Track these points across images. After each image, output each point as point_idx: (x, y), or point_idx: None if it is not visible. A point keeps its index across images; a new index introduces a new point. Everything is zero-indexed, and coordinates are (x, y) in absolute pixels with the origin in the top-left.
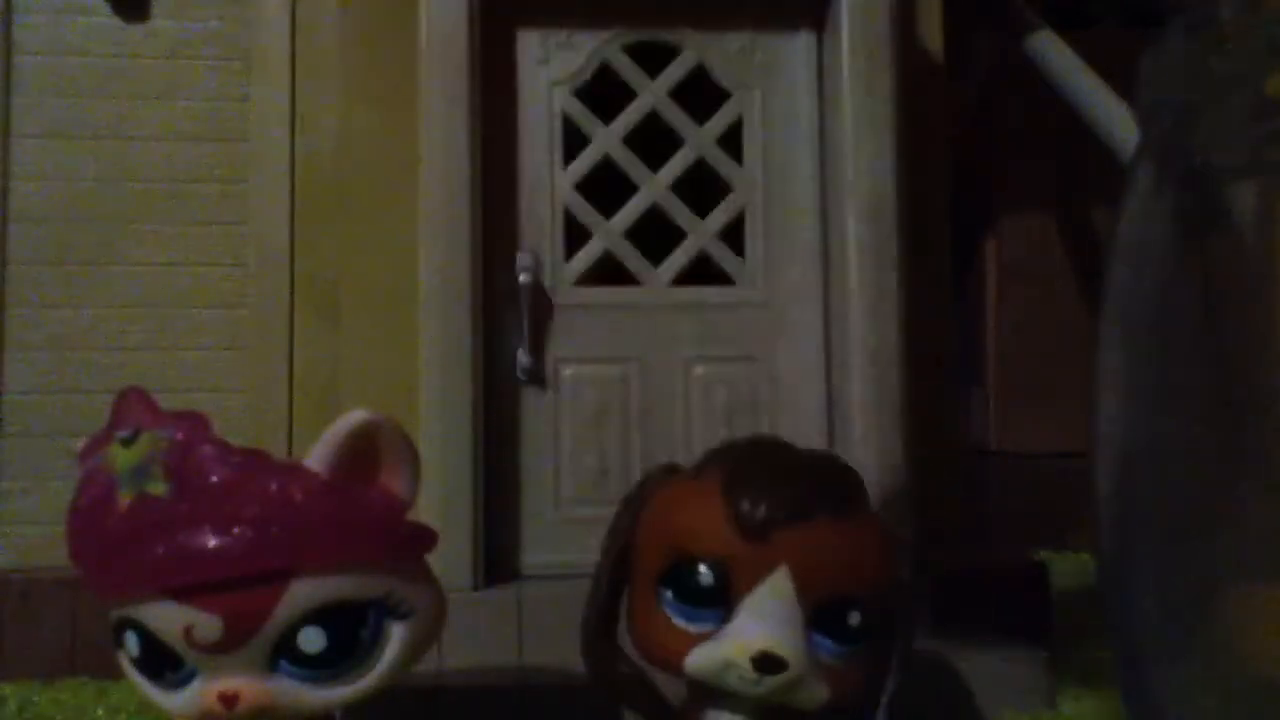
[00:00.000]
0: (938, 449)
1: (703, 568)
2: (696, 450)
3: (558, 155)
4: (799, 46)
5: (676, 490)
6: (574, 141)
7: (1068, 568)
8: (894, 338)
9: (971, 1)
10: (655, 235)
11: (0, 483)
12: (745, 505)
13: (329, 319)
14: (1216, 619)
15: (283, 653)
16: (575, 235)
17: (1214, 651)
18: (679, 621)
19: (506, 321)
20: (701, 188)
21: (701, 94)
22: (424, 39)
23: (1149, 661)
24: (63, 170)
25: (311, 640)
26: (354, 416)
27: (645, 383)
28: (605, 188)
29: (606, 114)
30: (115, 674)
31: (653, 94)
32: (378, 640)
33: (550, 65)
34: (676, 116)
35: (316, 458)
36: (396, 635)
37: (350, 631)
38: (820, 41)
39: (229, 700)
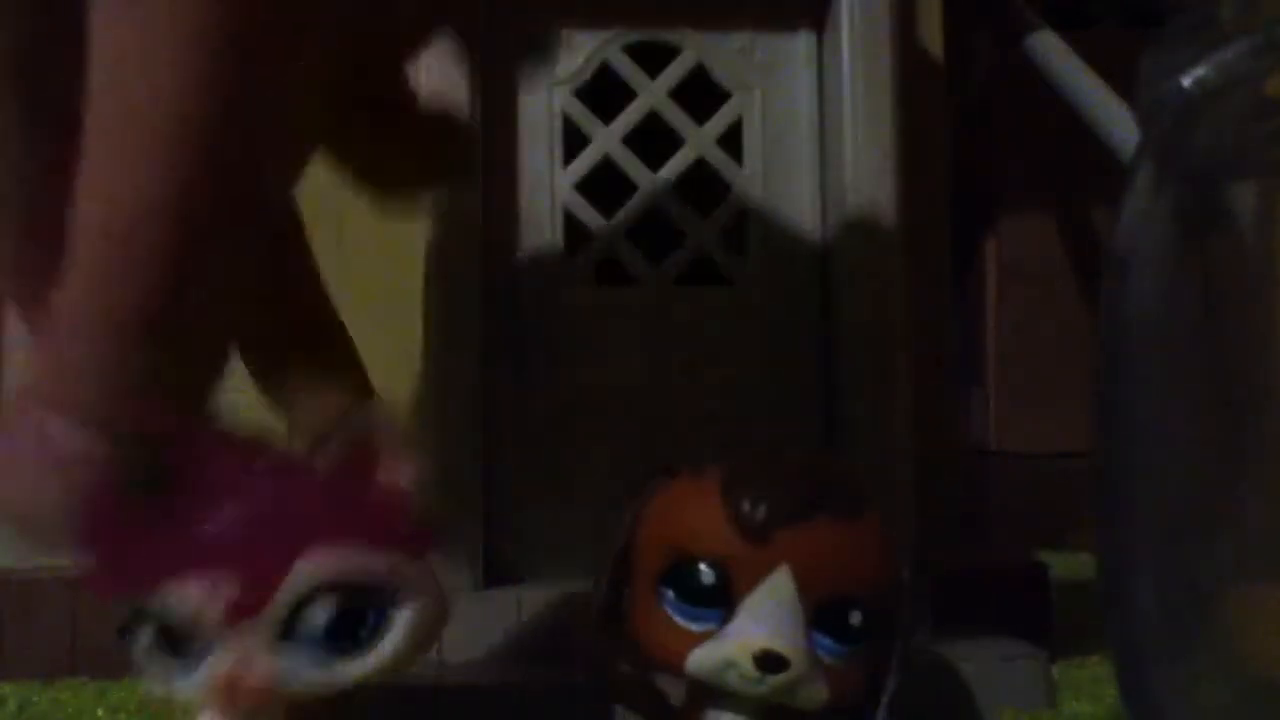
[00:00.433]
0: (938, 449)
1: (703, 567)
2: (696, 450)
3: (558, 155)
4: (799, 46)
5: (676, 490)
6: (574, 141)
7: (1068, 568)
8: (894, 337)
9: (971, 1)
10: (655, 235)
11: None
12: (745, 506)
13: None
14: (1216, 619)
15: (289, 631)
16: (575, 235)
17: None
18: (680, 621)
19: (506, 321)
20: (701, 188)
21: (701, 94)
22: None
23: (1149, 661)
24: None
25: (317, 617)
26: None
27: (645, 383)
28: (605, 188)
29: (606, 114)
30: (115, 674)
31: (653, 94)
32: (380, 625)
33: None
34: (676, 116)
35: (319, 453)
36: (401, 621)
37: (356, 612)
38: (820, 41)
39: (237, 679)
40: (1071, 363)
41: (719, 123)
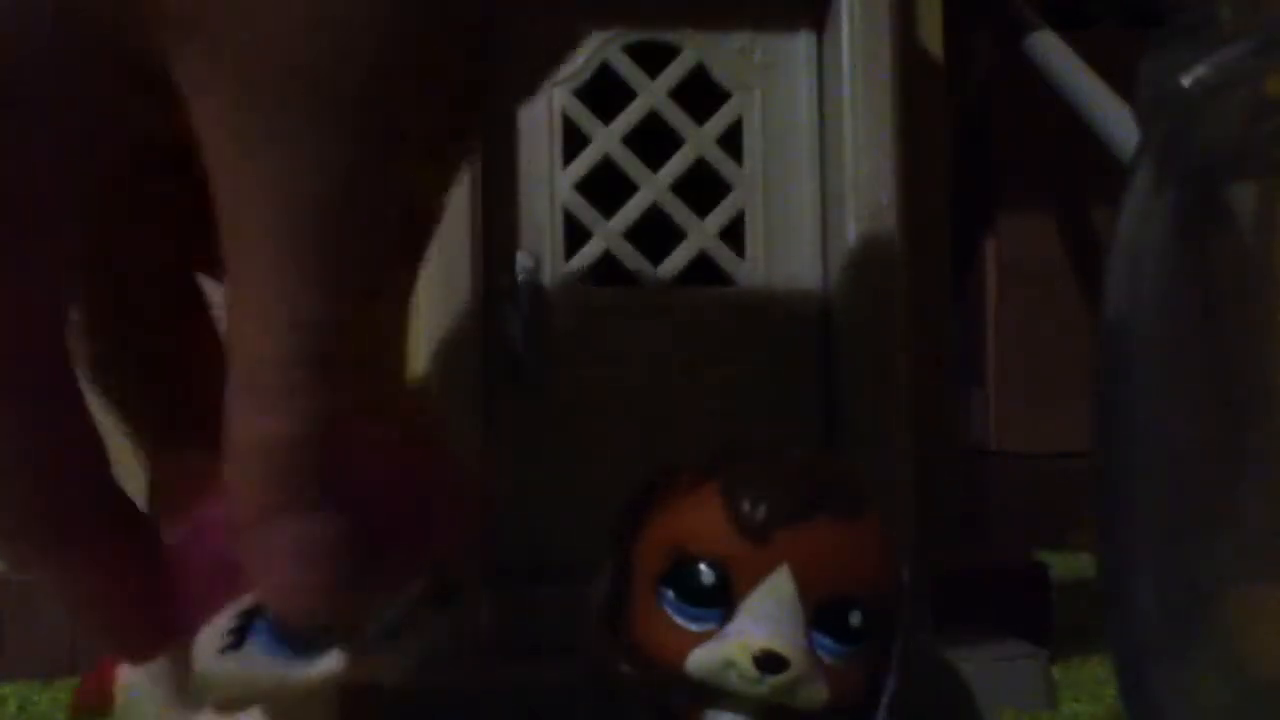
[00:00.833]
0: (938, 449)
1: (703, 567)
2: (696, 450)
3: (558, 155)
4: (799, 46)
5: (676, 490)
6: (574, 141)
7: (1068, 568)
8: (894, 338)
9: (972, 1)
10: (655, 235)
11: None
12: (745, 506)
13: None
14: (1216, 619)
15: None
16: (575, 235)
17: (1214, 651)
18: (680, 621)
19: (506, 322)
20: (701, 188)
21: (701, 94)
22: None
23: (1149, 661)
24: None
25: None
26: None
27: (645, 383)
28: (605, 188)
29: (606, 114)
30: None
31: (652, 94)
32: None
33: None
34: (676, 116)
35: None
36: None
37: None
38: (820, 41)
39: None
40: (1071, 363)
41: (719, 123)
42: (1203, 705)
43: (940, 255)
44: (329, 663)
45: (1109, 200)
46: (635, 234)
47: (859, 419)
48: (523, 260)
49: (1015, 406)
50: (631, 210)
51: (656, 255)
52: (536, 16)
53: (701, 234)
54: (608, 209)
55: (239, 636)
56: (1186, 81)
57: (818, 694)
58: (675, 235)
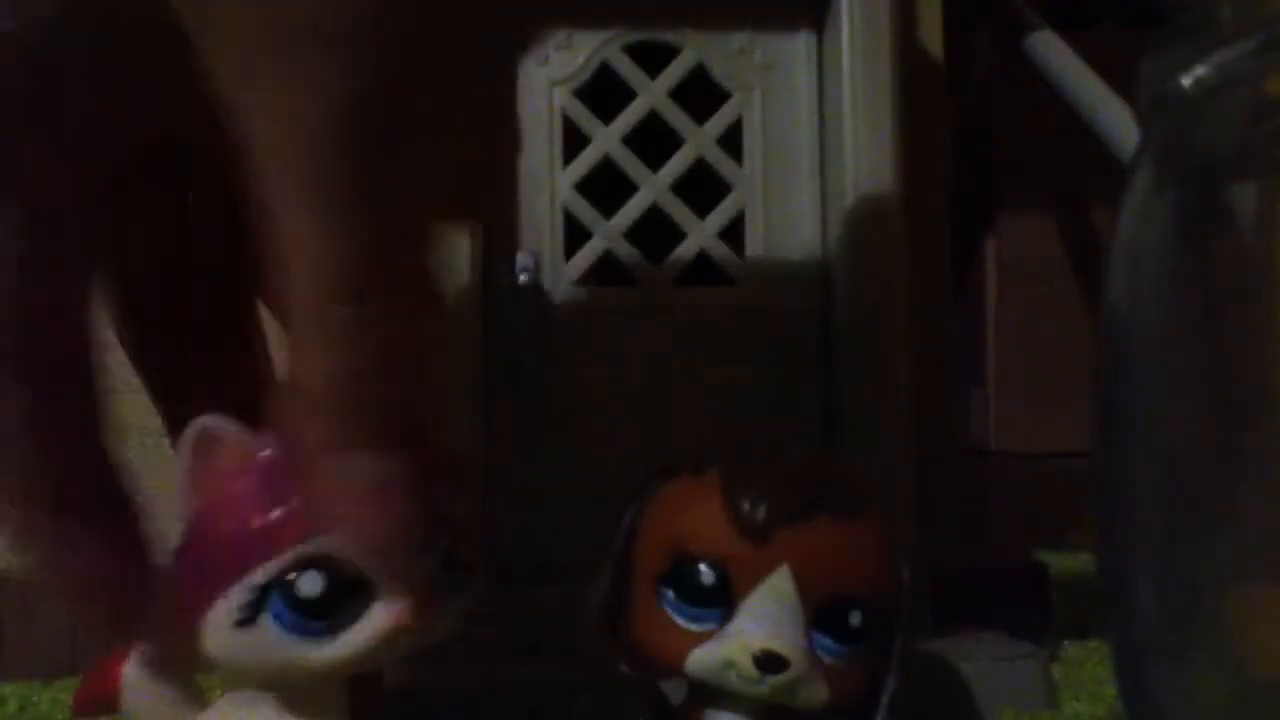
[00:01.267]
0: (938, 449)
1: (703, 567)
2: (697, 451)
3: (558, 155)
4: (799, 46)
5: (676, 490)
6: (574, 141)
7: (1068, 568)
8: (894, 338)
9: (972, 1)
10: (655, 235)
11: None
12: (745, 506)
13: None
14: (1216, 619)
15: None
16: (575, 235)
17: (1214, 651)
18: (680, 621)
19: (506, 321)
20: (701, 188)
21: (701, 94)
22: None
23: (1149, 661)
24: None
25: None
26: None
27: (645, 383)
28: (605, 188)
29: (606, 114)
30: None
31: (653, 94)
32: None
33: (550, 65)
34: (676, 116)
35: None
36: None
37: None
38: (820, 41)
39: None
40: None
41: (719, 123)
42: (1203, 705)
43: (940, 255)
44: (339, 647)
45: (1109, 200)
46: (635, 234)
47: (859, 419)
48: (523, 260)
49: (1015, 406)
50: (631, 210)
51: (656, 255)
52: None
53: (701, 234)
54: (608, 209)
55: (252, 611)
56: (1186, 81)
57: (818, 694)
58: (675, 235)
